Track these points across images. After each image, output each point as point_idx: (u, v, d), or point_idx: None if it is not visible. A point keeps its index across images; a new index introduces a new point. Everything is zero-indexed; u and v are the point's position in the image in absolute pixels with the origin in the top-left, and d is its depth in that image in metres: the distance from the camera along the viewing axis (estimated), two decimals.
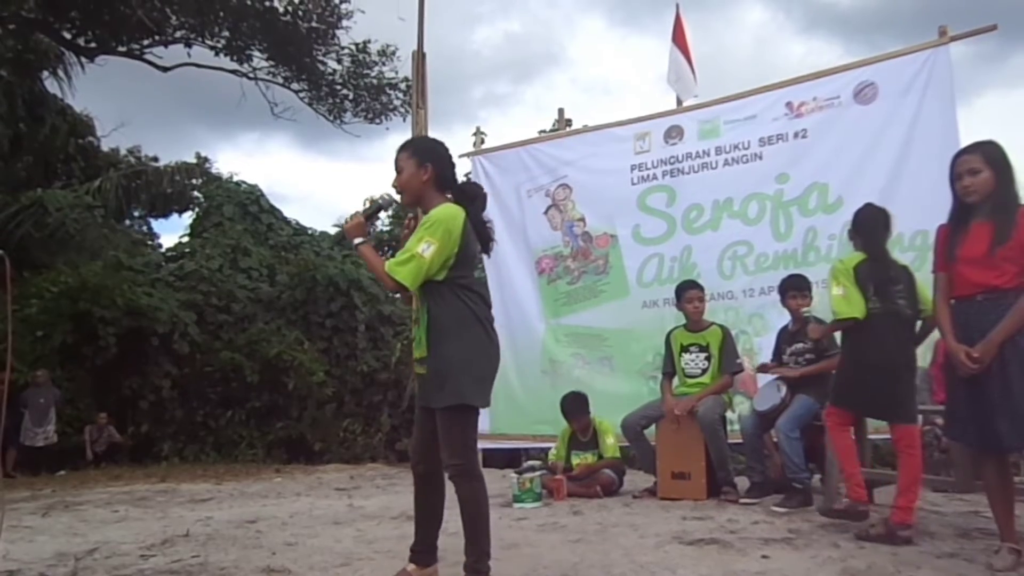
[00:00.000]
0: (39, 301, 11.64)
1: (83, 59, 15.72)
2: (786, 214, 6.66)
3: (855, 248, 4.23)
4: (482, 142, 8.32)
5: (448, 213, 2.91)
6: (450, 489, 2.98)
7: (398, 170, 3.04)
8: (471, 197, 3.10)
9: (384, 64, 15.52)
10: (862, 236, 4.17)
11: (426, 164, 3.00)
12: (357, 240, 3.03)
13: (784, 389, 5.02)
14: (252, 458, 11.70)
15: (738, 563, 3.33)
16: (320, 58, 15.19)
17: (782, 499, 4.77)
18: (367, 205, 3.13)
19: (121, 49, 15.18)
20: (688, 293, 5.62)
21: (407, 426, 12.58)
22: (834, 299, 3.98)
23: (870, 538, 3.69)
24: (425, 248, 2.83)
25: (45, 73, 16.91)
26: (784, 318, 5.55)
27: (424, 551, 3.09)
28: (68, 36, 14.93)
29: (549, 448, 6.78)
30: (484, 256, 3.24)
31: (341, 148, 67.08)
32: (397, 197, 3.12)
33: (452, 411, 2.87)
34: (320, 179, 55.01)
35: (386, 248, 19.09)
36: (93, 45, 15.11)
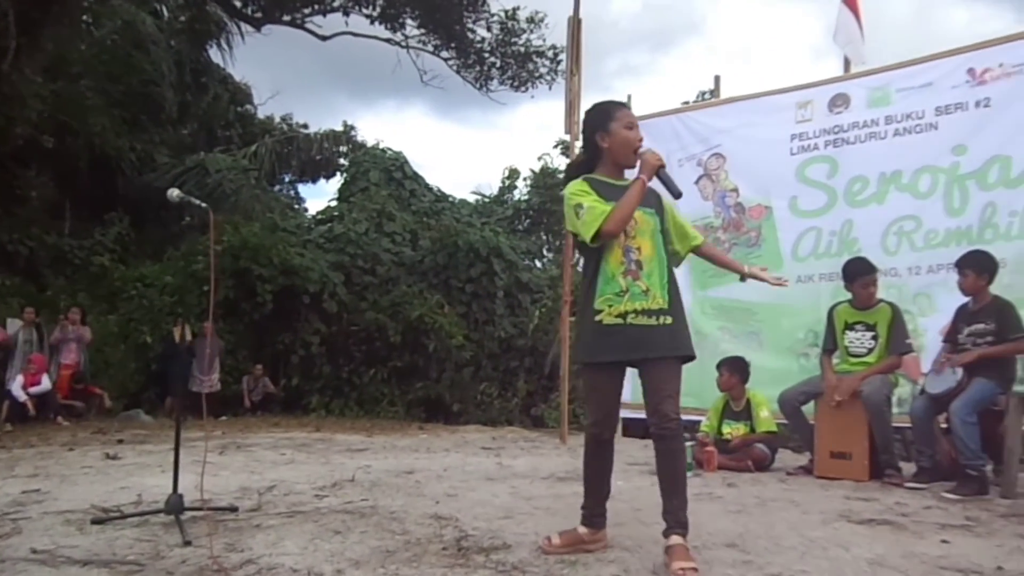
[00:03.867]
0: (204, 258, 12.44)
1: (248, 28, 16.55)
2: (962, 188, 6.25)
3: None
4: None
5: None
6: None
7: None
8: None
9: (532, 32, 15.62)
10: None
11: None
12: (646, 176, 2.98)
13: (960, 371, 4.75)
14: (393, 415, 12.18)
15: (916, 545, 3.20)
16: (470, 25, 15.43)
17: (955, 486, 4.53)
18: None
19: (285, 18, 15.89)
20: (863, 278, 5.35)
21: (542, 392, 12.76)
22: None
23: None
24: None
25: (210, 43, 17.93)
26: (954, 298, 5.24)
27: (599, 515, 3.07)
28: (238, 5, 15.74)
29: (688, 421, 6.71)
30: None
31: (475, 116, 67.79)
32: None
33: (682, 363, 2.97)
34: (455, 147, 55.88)
35: (522, 216, 19.28)
36: (259, 15, 15.90)
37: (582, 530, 3.03)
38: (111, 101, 15.44)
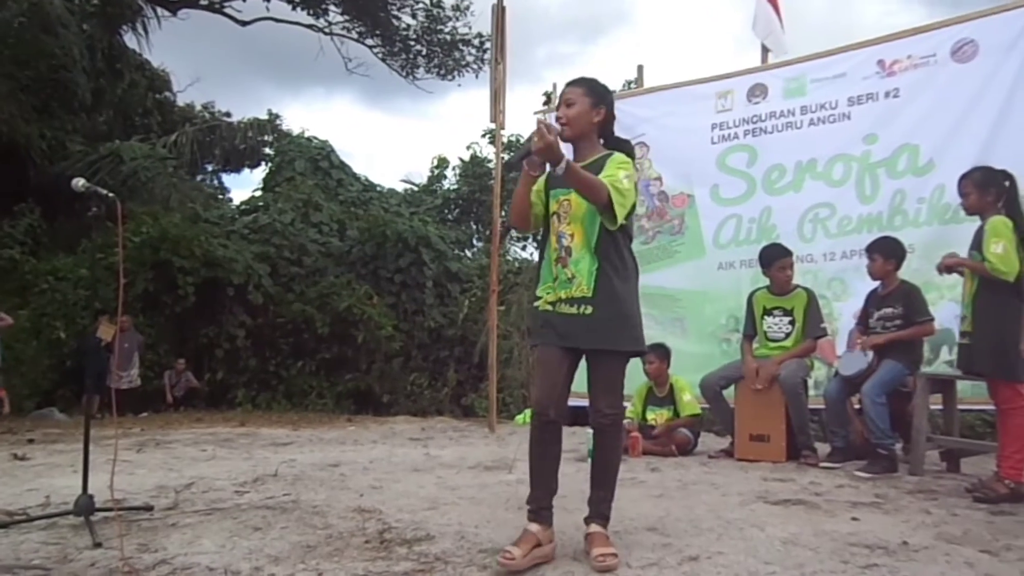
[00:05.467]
0: (122, 250, 12.02)
1: (164, 13, 16.02)
2: (873, 176, 6.48)
3: (976, 211, 4.11)
4: (556, 101, 8.23)
5: (626, 159, 2.87)
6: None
7: (568, 103, 2.91)
8: (630, 151, 2.99)
9: (457, 19, 15.54)
10: (1011, 205, 4.00)
11: (600, 107, 2.92)
12: (560, 163, 2.71)
13: (871, 354, 4.93)
14: (322, 408, 12.02)
15: (827, 523, 3.31)
16: (395, 12, 15.24)
17: (866, 464, 4.70)
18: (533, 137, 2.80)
19: (203, 2, 15.43)
20: (779, 261, 5.50)
21: (472, 382, 12.75)
22: (995, 255, 3.81)
23: (991, 499, 3.74)
24: (628, 182, 2.77)
25: (124, 28, 17.30)
26: (866, 283, 5.43)
27: (546, 508, 2.82)
28: None
29: None
30: None
31: (405, 105, 67.22)
32: (559, 129, 2.88)
33: (625, 357, 2.87)
34: (384, 137, 55.28)
35: (451, 206, 19.21)
36: None
37: (534, 527, 2.75)
38: (19, 87, 14.75)
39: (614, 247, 2.83)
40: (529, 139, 2.80)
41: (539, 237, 3.12)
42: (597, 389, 2.87)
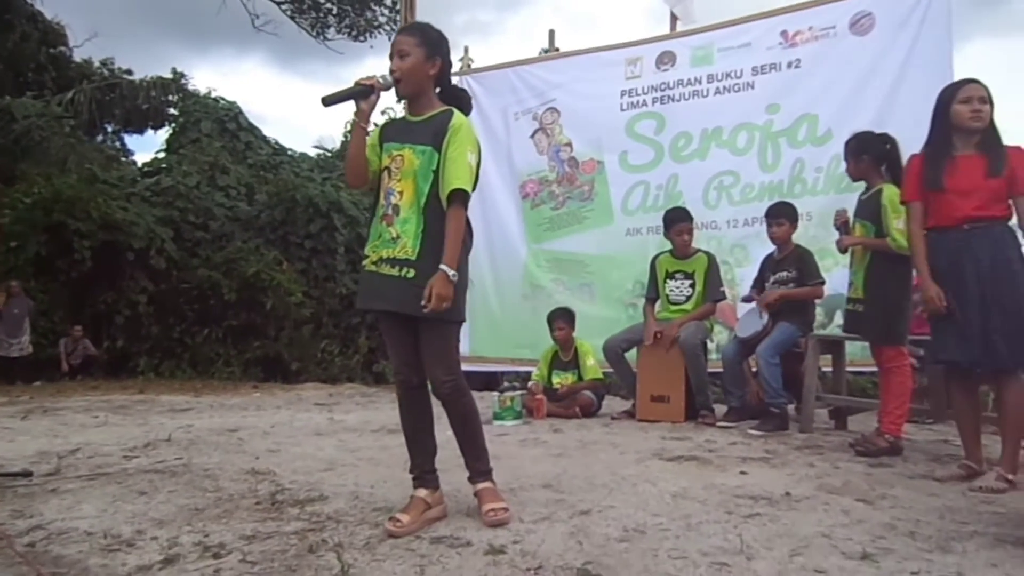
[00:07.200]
0: (11, 212, 11.41)
1: None
2: (774, 145, 6.64)
3: (857, 177, 4.26)
4: (469, 65, 8.16)
5: (469, 123, 2.72)
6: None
7: (400, 55, 2.71)
8: (467, 103, 2.87)
9: None
10: (894, 167, 4.12)
11: (436, 58, 2.74)
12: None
13: (766, 316, 5.07)
14: (229, 376, 11.71)
15: (717, 478, 3.40)
16: None
17: (759, 423, 4.86)
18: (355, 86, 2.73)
19: None
20: (679, 225, 5.60)
21: (383, 349, 12.63)
22: (899, 231, 3.86)
23: (871, 452, 3.92)
24: (472, 159, 2.63)
25: None
26: (766, 249, 5.57)
27: (429, 471, 2.79)
28: None
29: (526, 372, 6.86)
30: None
31: (318, 69, 65.54)
32: (391, 81, 2.72)
33: (453, 325, 2.72)
34: (297, 101, 53.93)
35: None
36: None
37: (421, 493, 2.72)
38: None
39: (444, 210, 2.64)
40: (356, 85, 2.71)
41: None
42: (428, 358, 2.69)
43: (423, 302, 2.50)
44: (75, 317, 11.80)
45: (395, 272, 2.64)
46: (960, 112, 3.32)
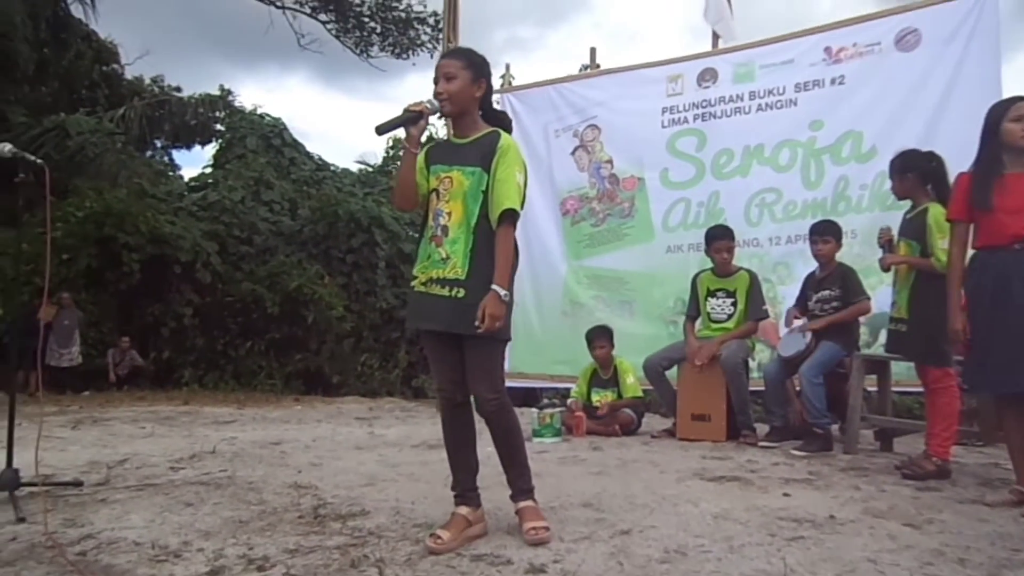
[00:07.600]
0: (64, 225, 11.71)
1: None
2: (818, 162, 6.57)
3: (902, 195, 4.21)
4: (510, 82, 8.22)
5: (517, 145, 2.78)
6: None
7: (447, 77, 2.76)
8: (508, 125, 2.92)
9: None
10: (940, 185, 4.06)
11: (481, 80, 2.80)
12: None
13: (809, 335, 5.01)
14: (271, 388, 11.88)
15: (759, 499, 3.36)
16: None
17: (802, 443, 4.79)
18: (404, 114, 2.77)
19: None
20: (719, 243, 5.56)
21: (423, 363, 12.70)
22: (941, 250, 3.82)
23: (918, 476, 3.84)
24: (520, 179, 2.69)
25: None
26: (809, 267, 5.51)
27: (471, 489, 2.81)
28: None
29: (565, 388, 6.84)
30: None
31: (361, 86, 66.51)
32: (438, 105, 2.78)
33: (500, 343, 2.74)
34: (340, 117, 54.68)
35: None
36: None
37: (463, 510, 2.74)
38: None
39: (493, 229, 2.68)
40: (405, 112, 2.75)
41: None
42: (475, 376, 2.71)
43: (476, 322, 2.54)
44: (123, 328, 12.08)
45: (445, 292, 2.69)
46: (1012, 131, 3.26)
